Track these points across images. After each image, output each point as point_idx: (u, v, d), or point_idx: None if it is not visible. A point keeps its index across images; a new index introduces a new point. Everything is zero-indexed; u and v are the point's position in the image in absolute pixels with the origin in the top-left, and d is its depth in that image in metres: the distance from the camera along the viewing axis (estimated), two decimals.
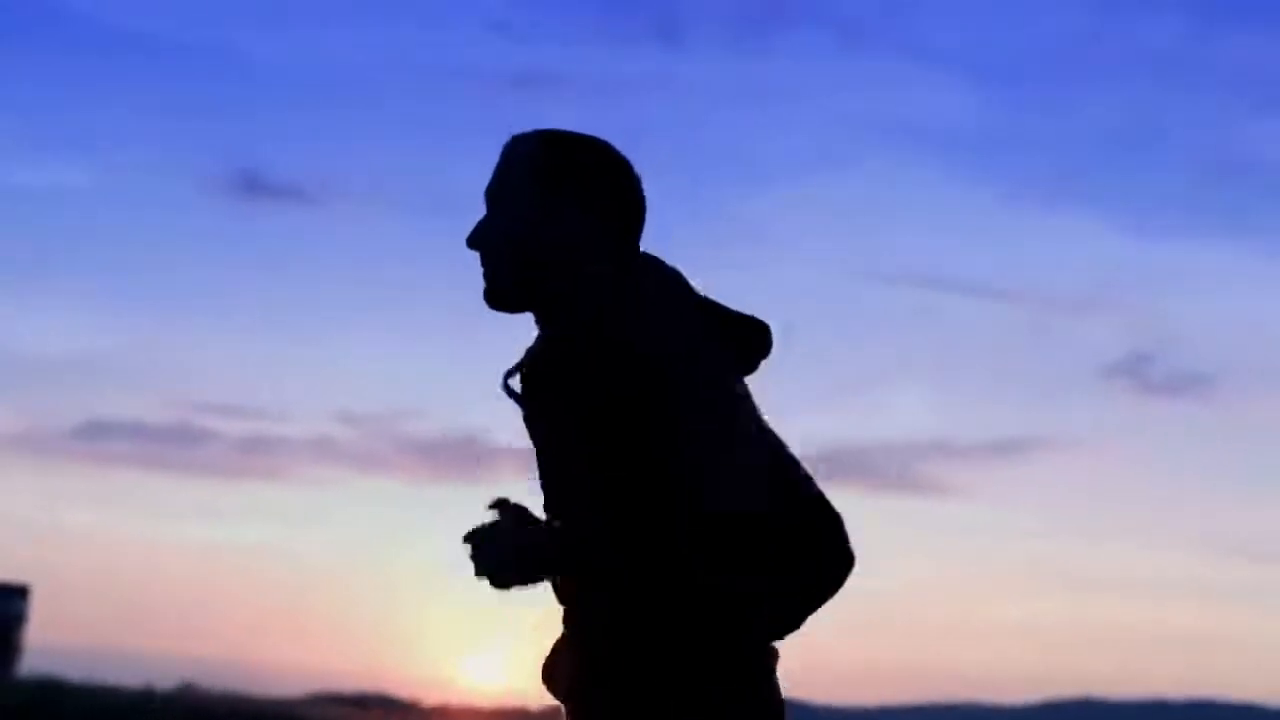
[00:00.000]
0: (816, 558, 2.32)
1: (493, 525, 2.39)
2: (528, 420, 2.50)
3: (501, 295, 2.51)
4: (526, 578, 2.38)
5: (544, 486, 2.49)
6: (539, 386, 2.43)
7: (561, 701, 2.44)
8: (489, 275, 2.51)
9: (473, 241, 2.52)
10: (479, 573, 2.37)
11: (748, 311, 2.48)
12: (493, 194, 2.54)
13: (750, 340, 2.45)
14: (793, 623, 2.38)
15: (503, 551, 2.37)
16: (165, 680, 25.00)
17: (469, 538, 2.38)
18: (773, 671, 2.39)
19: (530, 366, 2.46)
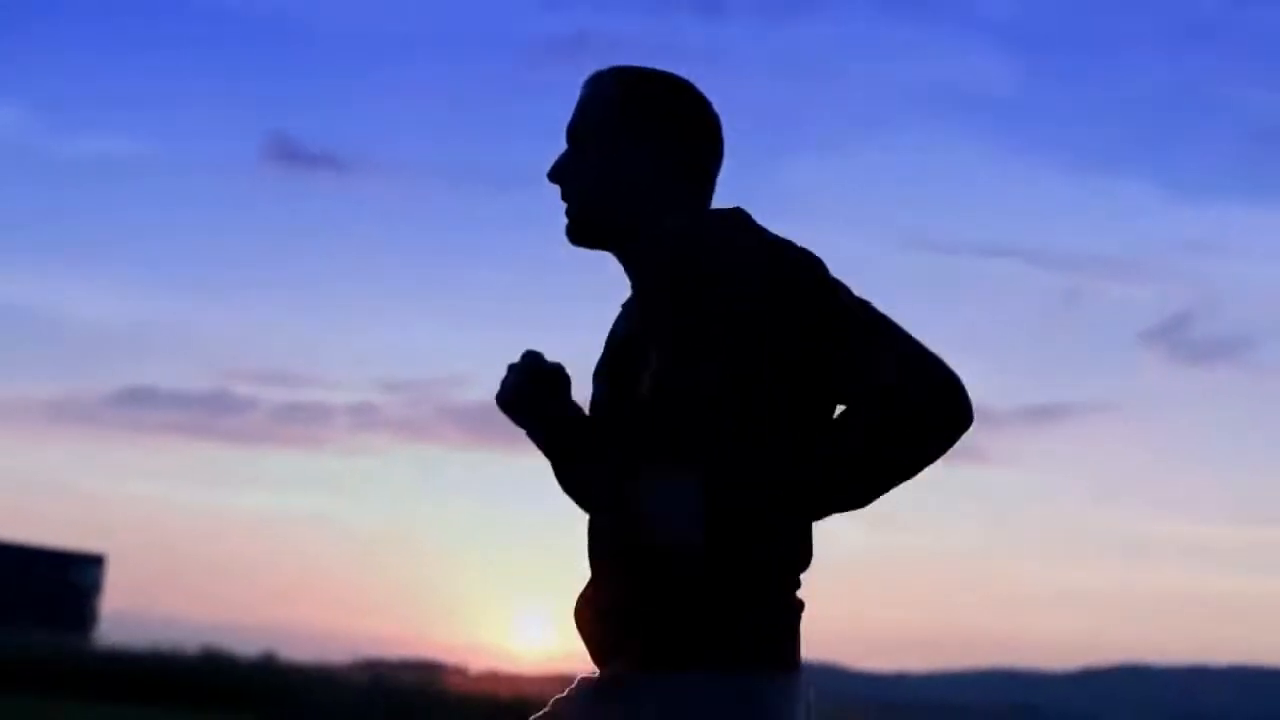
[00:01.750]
0: (932, 399, 2.26)
1: (553, 372, 2.51)
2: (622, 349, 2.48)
3: (582, 232, 2.50)
4: (537, 421, 2.52)
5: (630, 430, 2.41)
6: (677, 282, 2.38)
7: (586, 642, 2.45)
8: (570, 212, 2.51)
9: (554, 175, 2.52)
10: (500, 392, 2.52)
11: None
12: (574, 131, 2.53)
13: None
14: (896, 478, 2.29)
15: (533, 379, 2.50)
16: (237, 645, 25.73)
17: (522, 368, 2.51)
18: (797, 624, 2.36)
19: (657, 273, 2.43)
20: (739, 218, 2.43)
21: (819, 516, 2.35)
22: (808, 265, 2.34)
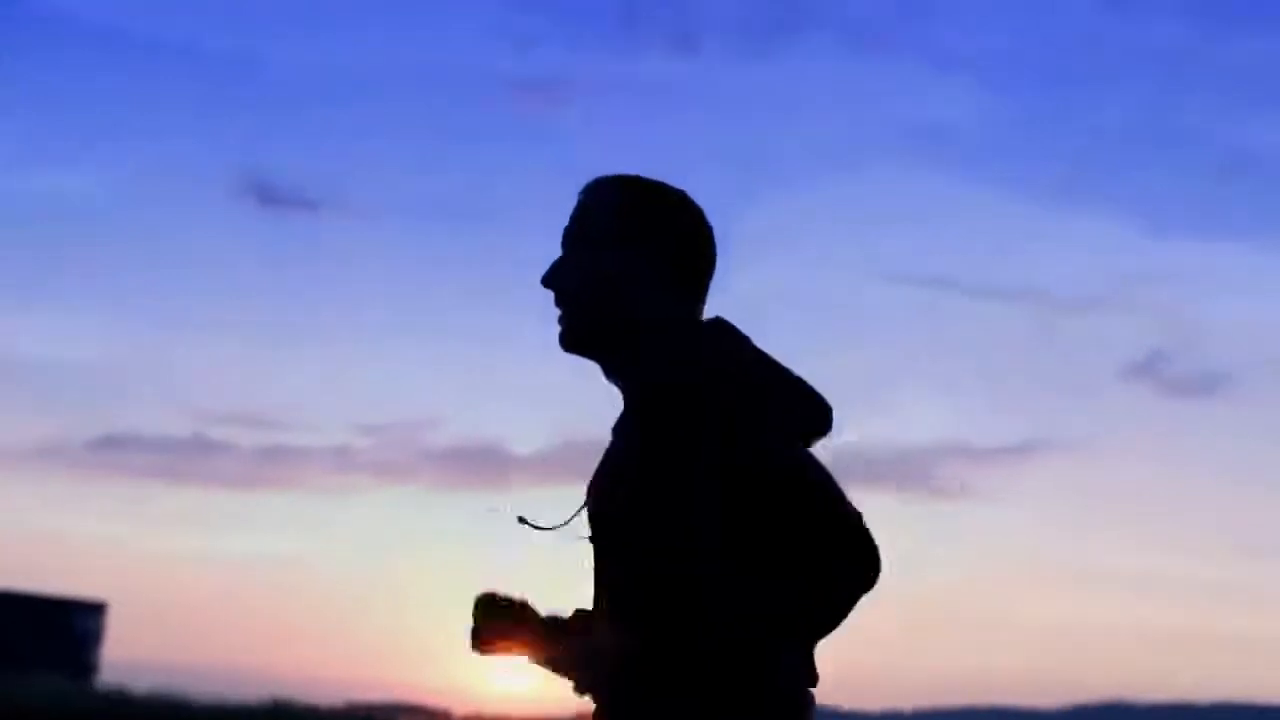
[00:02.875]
0: (848, 562, 2.34)
1: (492, 595, 2.50)
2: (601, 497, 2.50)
3: (576, 338, 2.51)
4: (516, 648, 2.50)
5: (611, 575, 2.48)
6: (657, 428, 2.41)
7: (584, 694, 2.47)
8: (564, 319, 2.52)
9: (548, 280, 2.52)
10: (471, 634, 2.51)
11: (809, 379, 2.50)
12: (570, 236, 2.53)
13: (813, 417, 2.45)
14: (830, 625, 2.38)
15: (497, 614, 2.49)
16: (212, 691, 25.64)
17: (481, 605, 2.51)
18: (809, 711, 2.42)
19: (643, 407, 2.46)
20: (721, 332, 2.48)
21: (806, 641, 2.41)
22: (786, 405, 2.41)
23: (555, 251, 2.56)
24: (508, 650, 2.50)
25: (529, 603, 2.51)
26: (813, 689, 2.42)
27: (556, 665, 2.50)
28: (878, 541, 2.39)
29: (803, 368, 2.50)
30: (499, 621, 2.49)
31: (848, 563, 2.35)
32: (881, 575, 2.41)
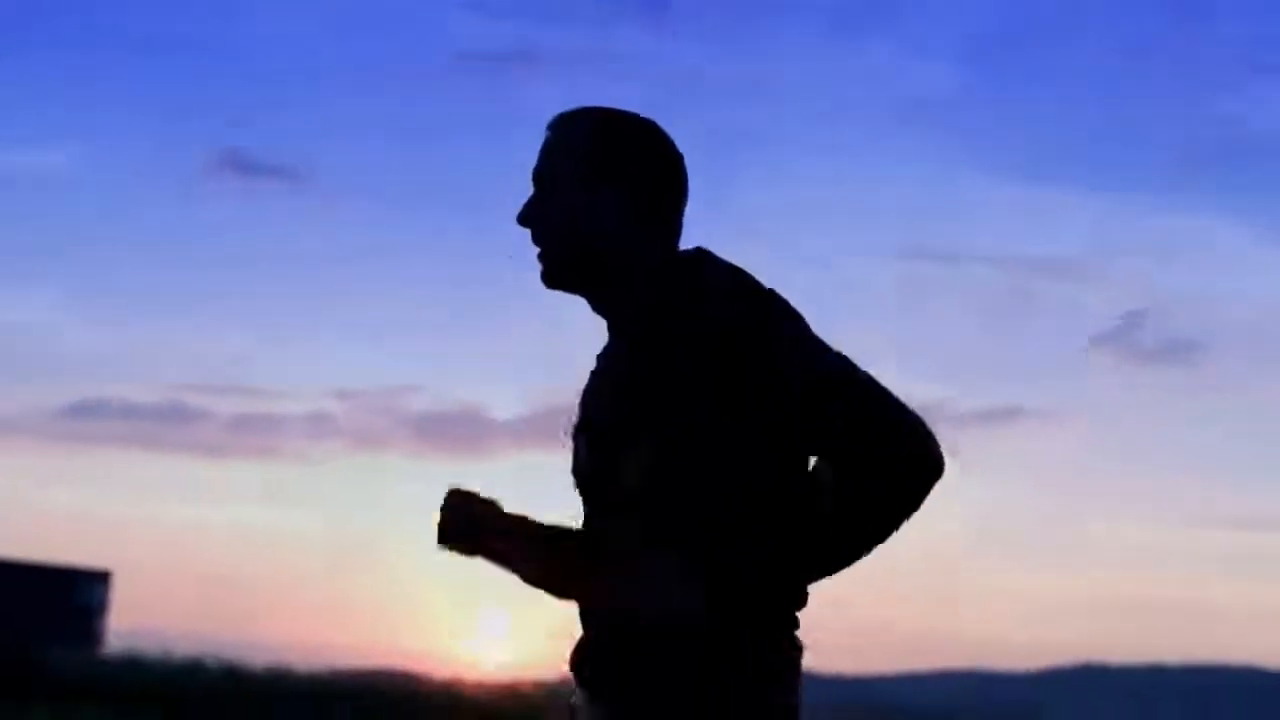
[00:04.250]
0: (911, 461, 2.29)
1: (463, 492, 2.42)
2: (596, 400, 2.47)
3: (557, 275, 2.49)
4: (485, 548, 2.40)
5: (600, 481, 2.43)
6: (648, 333, 2.39)
7: (585, 692, 2.41)
8: (543, 257, 2.50)
9: (523, 219, 2.50)
10: (438, 529, 2.42)
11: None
12: (540, 175, 2.51)
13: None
14: (893, 528, 2.32)
15: (467, 510, 2.40)
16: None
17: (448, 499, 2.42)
18: (799, 666, 2.37)
19: (635, 321, 2.43)
20: (706, 258, 2.44)
21: (810, 580, 2.37)
22: (788, 311, 2.35)
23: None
24: (474, 548, 2.42)
25: (499, 503, 2.43)
26: (801, 610, 2.39)
27: (529, 567, 2.43)
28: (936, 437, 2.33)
29: None
30: (468, 515, 2.41)
31: (911, 462, 2.28)
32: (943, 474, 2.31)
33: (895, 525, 2.33)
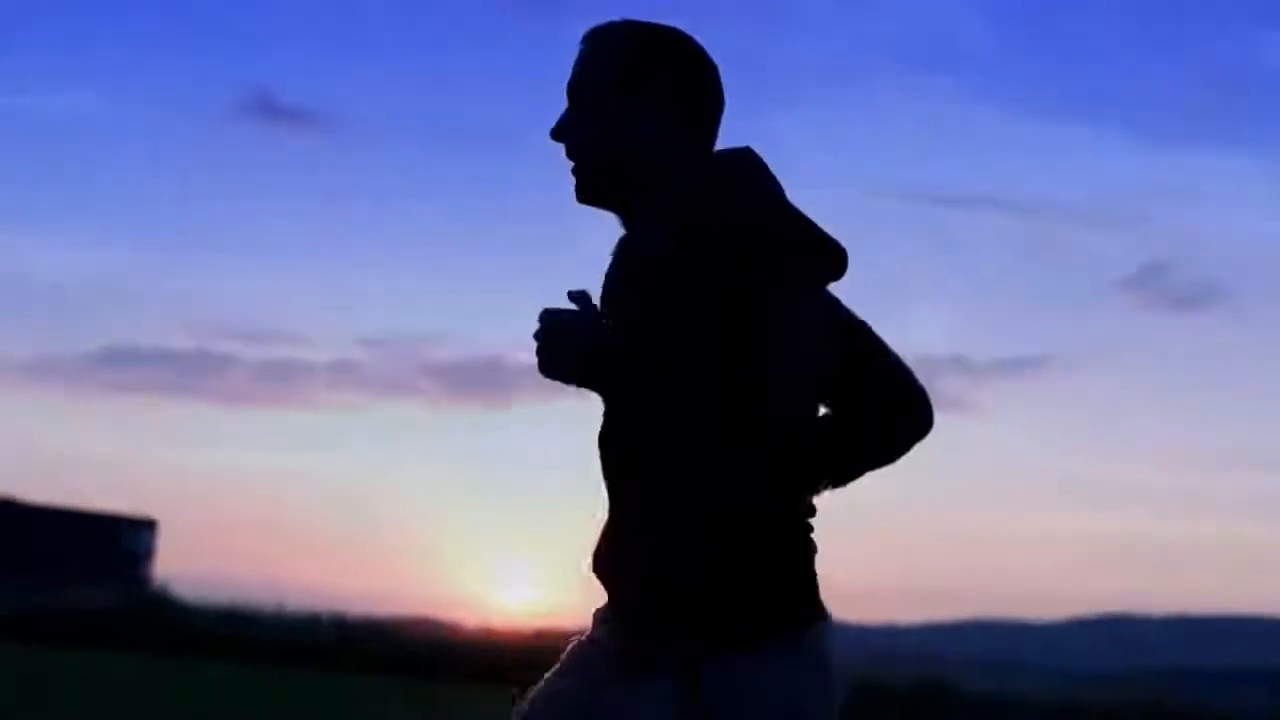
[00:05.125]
0: (901, 411, 2.42)
1: (573, 314, 2.34)
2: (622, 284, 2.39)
3: (592, 190, 2.47)
4: (583, 376, 2.34)
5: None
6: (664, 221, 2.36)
7: (608, 589, 2.43)
8: (576, 171, 2.48)
9: (557, 133, 2.49)
10: (542, 360, 2.33)
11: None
12: (574, 88, 2.50)
13: (828, 259, 2.38)
14: (854, 472, 2.43)
15: (577, 343, 2.31)
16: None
17: (545, 317, 2.35)
18: (814, 574, 2.39)
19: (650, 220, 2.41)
20: (749, 156, 2.43)
21: (812, 491, 2.41)
22: (800, 231, 2.36)
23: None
24: (568, 374, 2.34)
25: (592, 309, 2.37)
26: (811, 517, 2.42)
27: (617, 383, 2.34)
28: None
29: None
30: (563, 332, 2.33)
31: (900, 411, 2.44)
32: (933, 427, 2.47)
33: (887, 461, 2.48)
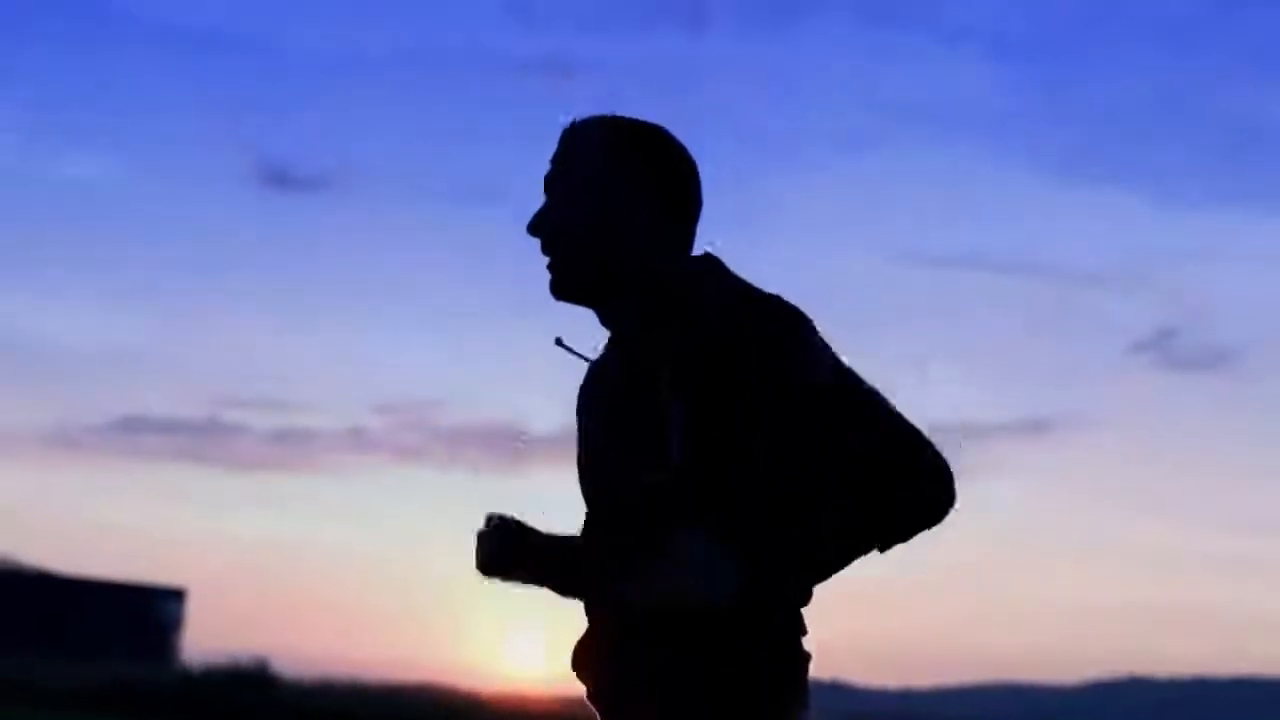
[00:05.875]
0: (915, 481, 2.30)
1: (500, 520, 2.45)
2: (592, 399, 2.47)
3: (569, 285, 2.44)
4: (522, 574, 2.45)
5: (601, 476, 2.43)
6: (645, 341, 2.37)
7: (590, 689, 2.41)
8: (553, 266, 2.45)
9: (534, 228, 2.45)
10: (478, 561, 2.44)
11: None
12: (553, 182, 2.47)
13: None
14: (882, 548, 2.34)
15: (504, 542, 2.43)
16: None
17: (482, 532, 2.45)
18: (806, 673, 2.34)
19: (628, 333, 2.43)
20: (709, 271, 2.42)
21: (816, 581, 2.35)
22: (789, 321, 2.33)
23: None
24: (511, 575, 2.47)
25: (526, 523, 2.48)
26: (805, 635, 2.38)
27: (561, 581, 2.48)
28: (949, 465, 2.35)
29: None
30: (504, 543, 2.46)
31: (914, 482, 2.31)
32: (952, 508, 2.35)
33: (893, 543, 2.36)
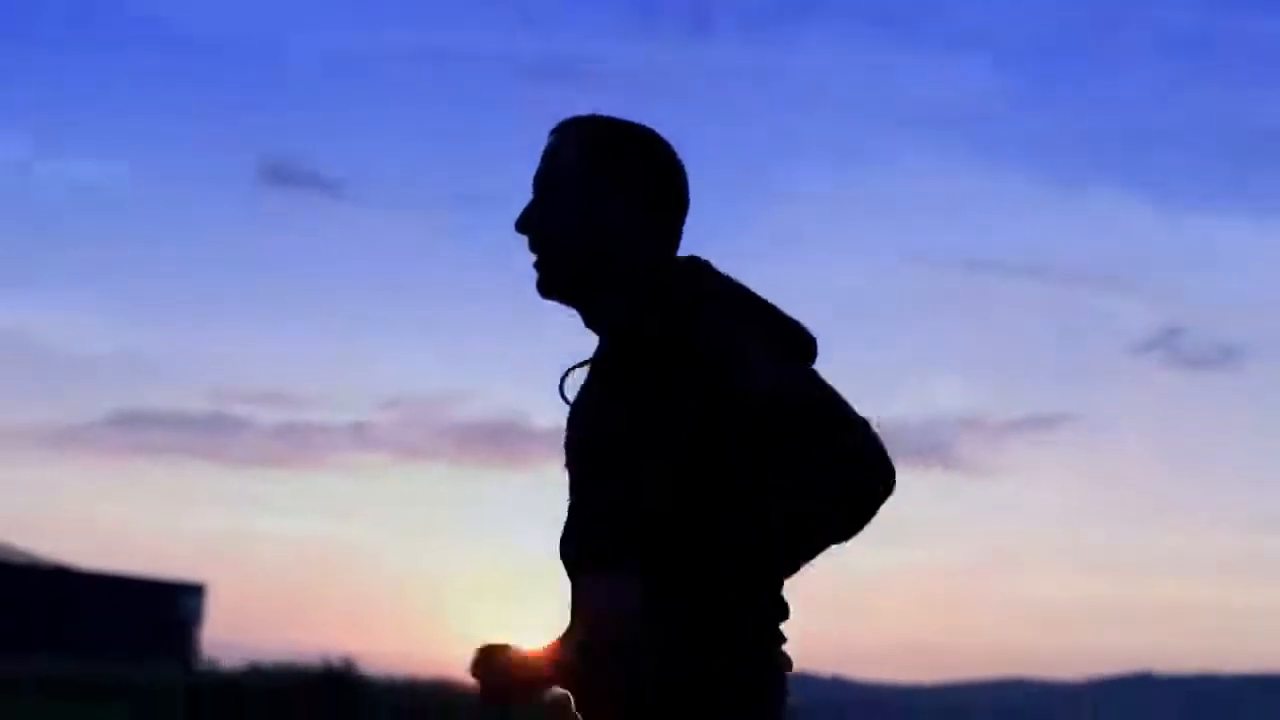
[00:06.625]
0: (864, 472, 2.26)
1: (490, 649, 2.41)
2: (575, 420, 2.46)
3: (553, 283, 2.46)
4: (528, 693, 2.40)
5: (579, 504, 2.43)
6: (613, 376, 2.37)
7: (569, 692, 2.41)
8: (539, 264, 2.47)
9: (521, 225, 2.47)
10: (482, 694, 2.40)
11: (794, 315, 2.40)
12: (540, 180, 2.48)
13: (796, 346, 2.36)
14: (844, 537, 2.30)
15: (503, 667, 2.39)
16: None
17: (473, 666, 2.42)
18: (776, 683, 2.34)
19: (600, 361, 2.42)
20: (684, 270, 2.40)
21: (782, 575, 2.34)
22: (797, 332, 2.35)
23: None
24: (511, 697, 2.43)
25: (513, 646, 2.43)
26: (784, 621, 2.38)
27: (557, 677, 2.42)
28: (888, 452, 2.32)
29: (822, 347, 2.42)
30: (500, 672, 2.42)
31: (863, 473, 2.28)
32: (895, 487, 2.31)
33: (848, 529, 2.31)
